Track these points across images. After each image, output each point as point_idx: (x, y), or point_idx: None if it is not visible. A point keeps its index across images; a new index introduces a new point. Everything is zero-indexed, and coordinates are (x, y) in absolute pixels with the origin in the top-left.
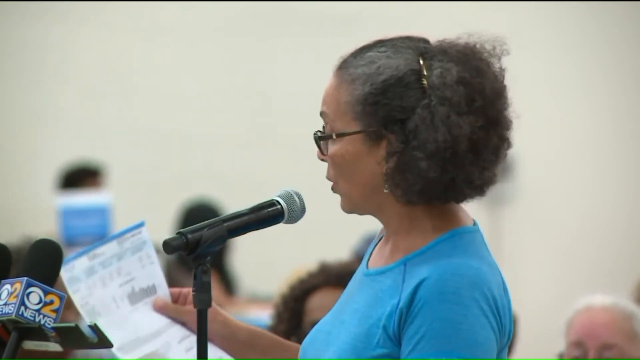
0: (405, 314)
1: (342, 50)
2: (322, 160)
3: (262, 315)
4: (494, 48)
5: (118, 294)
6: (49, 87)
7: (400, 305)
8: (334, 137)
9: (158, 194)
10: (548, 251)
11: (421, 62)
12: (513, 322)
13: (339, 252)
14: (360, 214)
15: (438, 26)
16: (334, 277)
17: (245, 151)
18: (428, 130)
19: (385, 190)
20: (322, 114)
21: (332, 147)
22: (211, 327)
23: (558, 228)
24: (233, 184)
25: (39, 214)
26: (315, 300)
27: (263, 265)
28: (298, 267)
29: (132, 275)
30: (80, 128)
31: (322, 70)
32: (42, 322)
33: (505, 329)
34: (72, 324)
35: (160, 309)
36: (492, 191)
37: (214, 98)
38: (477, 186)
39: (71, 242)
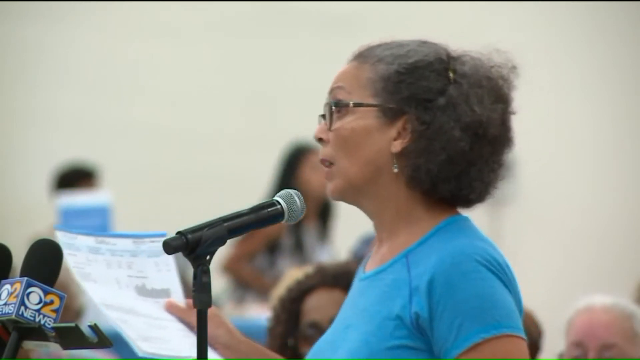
0: (429, 303)
1: (342, 50)
2: (319, 140)
3: (261, 316)
4: (508, 67)
5: (124, 280)
6: (47, 87)
7: (417, 295)
8: (351, 105)
9: (158, 194)
10: (548, 251)
11: (449, 55)
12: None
13: (337, 253)
14: (350, 201)
15: (438, 26)
16: (331, 278)
17: (246, 151)
18: (462, 106)
19: (395, 170)
20: (335, 89)
21: (342, 120)
22: (216, 332)
23: (558, 228)
24: (233, 184)
25: (35, 215)
26: (312, 301)
27: None
28: (295, 269)
29: (145, 274)
30: (80, 128)
31: (322, 69)
32: (42, 322)
33: (520, 303)
34: (72, 324)
35: (170, 308)
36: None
37: (214, 98)
38: (485, 184)
39: None
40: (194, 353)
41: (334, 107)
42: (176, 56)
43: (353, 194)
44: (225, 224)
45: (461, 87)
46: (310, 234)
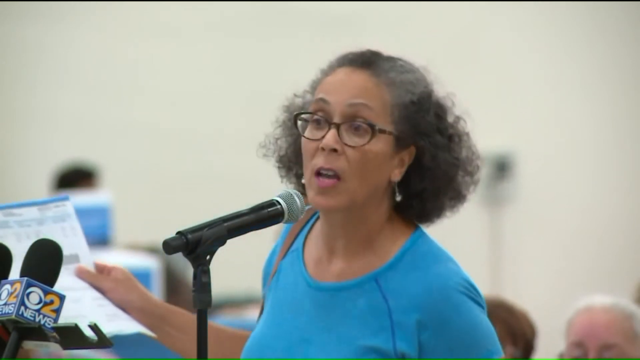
0: (420, 342)
1: (342, 50)
2: (333, 149)
3: None
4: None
5: None
6: (47, 87)
7: (401, 331)
8: (388, 132)
9: (158, 194)
10: (548, 251)
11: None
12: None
13: None
14: (339, 215)
15: (438, 26)
16: None
17: (245, 151)
18: (457, 145)
19: (398, 199)
20: (358, 104)
21: (370, 143)
22: (129, 298)
23: (558, 228)
24: (233, 184)
25: None
26: None
27: (261, 265)
28: None
29: None
30: (80, 128)
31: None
32: (42, 322)
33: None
34: (72, 324)
35: (81, 274)
36: (492, 191)
37: (214, 98)
38: (454, 206)
39: None
40: (111, 325)
41: (370, 127)
42: (176, 56)
43: (348, 211)
44: (225, 224)
45: (451, 126)
46: None
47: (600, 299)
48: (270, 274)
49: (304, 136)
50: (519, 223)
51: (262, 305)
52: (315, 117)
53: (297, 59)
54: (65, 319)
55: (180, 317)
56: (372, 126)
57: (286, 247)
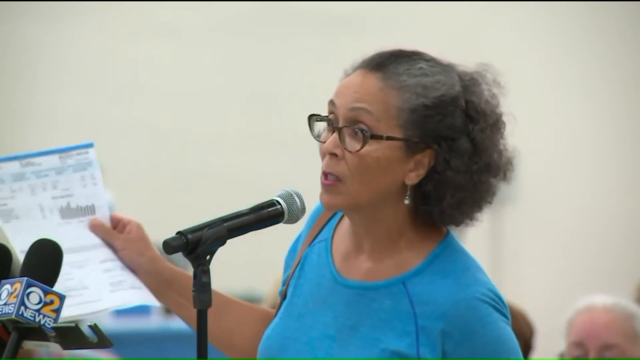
0: (443, 350)
1: (341, 50)
2: (332, 154)
3: None
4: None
5: (48, 204)
6: (47, 87)
7: (425, 337)
8: (385, 138)
9: (158, 194)
10: (548, 251)
11: (463, 86)
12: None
13: None
14: (345, 212)
15: (438, 26)
16: None
17: (245, 151)
18: (481, 149)
19: (407, 202)
20: (359, 110)
21: (367, 147)
22: (138, 260)
23: (558, 228)
24: (233, 184)
25: None
26: None
27: (261, 265)
28: None
29: (71, 192)
30: (80, 128)
31: (322, 69)
32: (42, 322)
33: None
34: (72, 324)
35: (95, 228)
36: None
37: (214, 98)
38: (479, 210)
39: None
40: (113, 298)
41: (363, 133)
42: (176, 56)
43: (353, 211)
44: (225, 224)
45: (481, 129)
46: None
47: (601, 299)
48: (295, 262)
49: (316, 138)
50: (519, 223)
51: (284, 292)
52: (327, 118)
53: (297, 59)
54: (67, 289)
55: (183, 282)
56: (364, 132)
57: (312, 236)
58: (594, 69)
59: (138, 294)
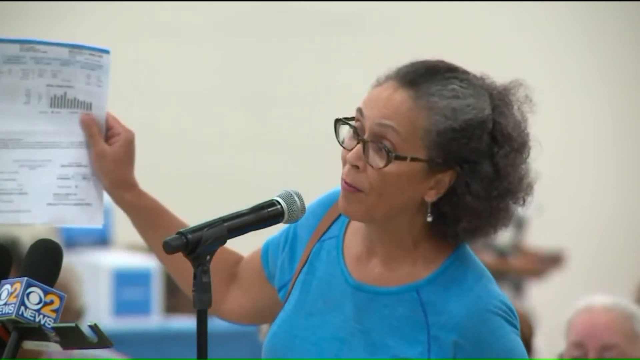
0: (453, 357)
1: (341, 50)
2: (353, 165)
3: None
4: (527, 98)
5: (39, 90)
6: None
7: (437, 347)
8: (409, 159)
9: (158, 194)
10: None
11: (493, 105)
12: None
13: None
14: (361, 221)
15: (438, 26)
16: None
17: (245, 151)
18: (503, 175)
19: (429, 219)
20: (387, 126)
21: (390, 166)
22: (107, 178)
23: (558, 227)
24: (233, 184)
25: None
26: None
27: None
28: None
29: (72, 84)
30: None
31: (322, 69)
32: (42, 322)
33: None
34: (72, 324)
35: (83, 122)
36: None
37: (215, 98)
38: (494, 230)
39: (71, 242)
40: (48, 212)
41: (387, 153)
42: (176, 56)
43: (367, 221)
44: (225, 224)
45: (505, 155)
46: None
47: (601, 299)
48: (303, 255)
49: (340, 143)
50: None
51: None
52: (353, 125)
53: (297, 59)
54: (5, 192)
55: (153, 217)
56: (388, 152)
57: (322, 231)
58: (594, 68)
59: (77, 214)
